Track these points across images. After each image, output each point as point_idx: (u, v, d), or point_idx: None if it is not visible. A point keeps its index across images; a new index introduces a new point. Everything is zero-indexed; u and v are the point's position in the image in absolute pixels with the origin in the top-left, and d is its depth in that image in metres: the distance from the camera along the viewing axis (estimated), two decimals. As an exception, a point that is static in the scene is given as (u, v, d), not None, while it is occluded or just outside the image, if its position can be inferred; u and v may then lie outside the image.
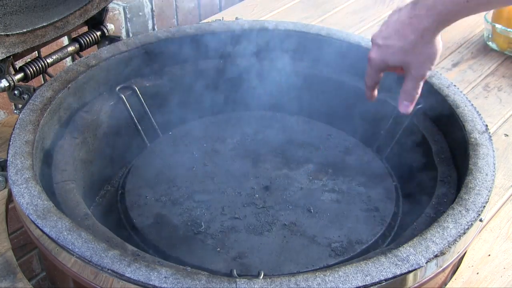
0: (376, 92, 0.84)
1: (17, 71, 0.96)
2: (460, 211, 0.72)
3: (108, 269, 0.62)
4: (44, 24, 0.95)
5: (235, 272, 0.67)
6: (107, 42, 1.09)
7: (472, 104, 0.91)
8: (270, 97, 1.11)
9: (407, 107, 0.81)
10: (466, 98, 0.92)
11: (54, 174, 0.82)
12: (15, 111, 1.02)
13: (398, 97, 0.80)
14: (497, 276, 0.87)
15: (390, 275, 0.63)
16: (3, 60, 0.91)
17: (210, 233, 0.84)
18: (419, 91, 0.79)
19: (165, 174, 0.95)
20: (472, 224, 0.71)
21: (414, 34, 0.72)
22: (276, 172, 0.97)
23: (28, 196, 0.71)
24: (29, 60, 0.99)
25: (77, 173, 0.87)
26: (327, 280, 0.62)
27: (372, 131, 1.03)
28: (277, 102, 1.10)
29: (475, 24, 1.56)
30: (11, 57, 0.92)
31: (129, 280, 0.61)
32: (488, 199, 0.75)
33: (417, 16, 0.71)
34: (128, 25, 1.52)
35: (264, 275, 0.65)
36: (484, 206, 0.73)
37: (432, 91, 0.95)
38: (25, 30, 0.91)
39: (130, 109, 1.00)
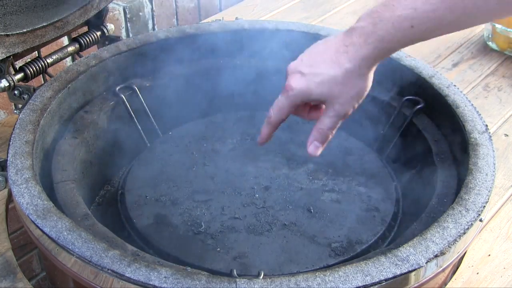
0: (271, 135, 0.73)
1: (17, 71, 0.96)
2: (460, 211, 0.72)
3: (108, 269, 0.62)
4: (44, 24, 0.95)
5: (235, 272, 0.67)
6: (107, 42, 1.09)
7: (472, 104, 0.91)
8: (270, 97, 1.10)
9: (317, 149, 0.71)
10: (466, 98, 0.92)
11: (54, 174, 0.82)
12: (15, 111, 1.02)
13: (307, 137, 0.70)
14: (497, 276, 0.88)
15: (390, 275, 0.63)
16: (3, 60, 0.91)
17: (210, 233, 0.84)
18: (335, 131, 0.70)
19: (165, 174, 0.95)
20: (472, 224, 0.71)
21: (350, 63, 0.64)
22: (276, 172, 0.97)
23: (28, 196, 0.71)
24: (29, 60, 0.99)
25: (77, 173, 0.87)
26: (327, 280, 0.62)
27: (372, 131, 1.03)
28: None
29: (475, 24, 1.56)
30: (11, 57, 0.92)
31: (129, 280, 0.61)
32: (488, 199, 0.75)
33: (354, 44, 0.63)
34: (128, 25, 1.52)
35: (264, 275, 0.65)
36: (484, 206, 0.74)
37: (432, 91, 0.95)
38: (25, 30, 0.91)
39: (130, 109, 1.00)
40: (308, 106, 0.72)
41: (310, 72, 0.66)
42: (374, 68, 0.67)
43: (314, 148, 0.71)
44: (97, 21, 1.09)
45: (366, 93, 0.67)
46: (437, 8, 0.59)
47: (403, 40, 0.63)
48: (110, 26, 1.11)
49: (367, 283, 0.62)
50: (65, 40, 1.29)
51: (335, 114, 0.67)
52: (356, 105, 0.68)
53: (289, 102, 0.69)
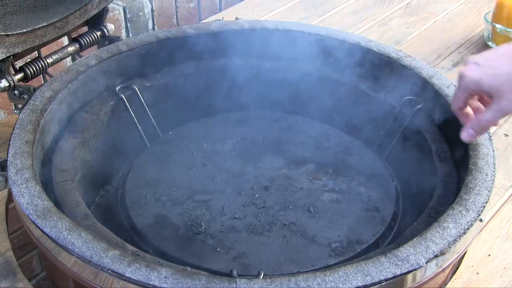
0: (468, 113, 0.76)
1: (17, 71, 0.96)
2: (460, 211, 0.72)
3: (108, 269, 0.62)
4: (44, 24, 0.95)
5: (235, 272, 0.67)
6: (107, 42, 1.09)
7: (472, 104, 0.90)
8: (270, 97, 1.11)
9: (470, 136, 0.74)
10: (466, 98, 0.92)
11: (54, 174, 0.82)
12: (15, 111, 1.02)
13: (467, 123, 0.74)
14: (497, 276, 0.87)
15: (390, 275, 0.63)
16: (3, 60, 0.91)
17: (210, 233, 0.84)
18: (491, 127, 0.73)
19: (165, 174, 0.95)
20: (472, 224, 0.71)
21: None
22: (276, 172, 0.97)
23: (28, 196, 0.71)
24: (29, 60, 0.99)
25: (77, 173, 0.87)
26: (327, 280, 0.62)
27: (372, 131, 1.03)
28: (277, 102, 1.10)
29: (475, 24, 1.56)
30: (11, 57, 0.92)
31: (129, 280, 0.61)
32: (488, 199, 0.75)
33: None
34: (128, 25, 1.52)
35: (264, 275, 0.65)
36: (484, 206, 0.73)
37: (432, 91, 0.95)
38: (25, 30, 0.91)
39: (130, 109, 1.00)
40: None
41: (485, 65, 0.70)
42: None
43: (468, 135, 0.74)
44: (97, 21, 1.09)
45: None
46: None
47: None
48: (110, 26, 1.11)
49: (367, 283, 0.62)
50: (65, 40, 1.29)
51: (499, 109, 0.70)
52: None
53: (461, 89, 0.73)
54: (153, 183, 0.93)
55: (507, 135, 1.17)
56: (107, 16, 1.11)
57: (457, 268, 0.88)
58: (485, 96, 0.74)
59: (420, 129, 0.95)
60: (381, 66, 1.03)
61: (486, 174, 0.78)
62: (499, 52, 0.72)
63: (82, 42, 1.07)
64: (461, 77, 0.73)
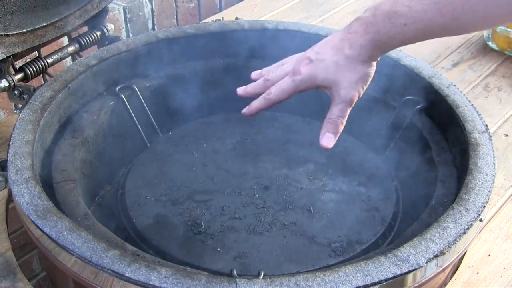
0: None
1: (17, 71, 0.96)
2: (460, 211, 0.72)
3: (108, 269, 0.62)
4: (44, 24, 0.95)
5: (235, 272, 0.67)
6: (107, 42, 1.09)
7: (472, 104, 0.91)
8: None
9: (329, 140, 0.72)
10: (466, 98, 0.92)
11: (54, 174, 0.82)
12: (15, 111, 1.02)
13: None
14: (497, 276, 0.88)
15: (390, 275, 0.63)
16: (3, 60, 0.91)
17: (210, 233, 0.84)
18: (345, 120, 0.71)
19: (165, 174, 0.95)
20: (472, 224, 0.71)
21: (351, 49, 0.67)
22: (276, 172, 0.97)
23: (28, 196, 0.71)
24: (29, 60, 0.99)
25: (77, 173, 0.87)
26: (327, 280, 0.62)
27: (372, 131, 1.03)
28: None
29: (475, 24, 1.56)
30: (11, 57, 0.92)
31: (129, 280, 0.61)
32: (488, 199, 0.75)
33: (356, 32, 0.67)
34: (128, 25, 1.52)
35: (264, 275, 0.65)
36: (484, 206, 0.73)
37: (432, 91, 0.95)
38: (25, 30, 0.91)
39: (130, 109, 1.00)
40: None
41: (317, 59, 0.69)
42: (376, 58, 0.69)
43: (327, 140, 0.72)
44: (97, 21, 1.09)
45: (369, 79, 0.70)
46: (429, 9, 0.62)
47: (397, 37, 0.65)
48: (110, 26, 1.11)
49: (367, 283, 0.62)
50: (65, 40, 1.29)
51: (341, 100, 0.70)
52: (362, 91, 0.70)
53: (294, 85, 0.71)
54: (153, 183, 0.93)
55: (507, 135, 1.17)
56: (107, 16, 1.11)
57: (457, 268, 0.88)
58: (325, 91, 0.72)
59: (420, 129, 0.95)
60: (381, 66, 1.03)
61: (486, 174, 0.78)
62: (323, 43, 0.70)
63: (82, 42, 1.07)
64: (294, 73, 0.71)
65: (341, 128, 0.72)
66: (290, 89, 0.72)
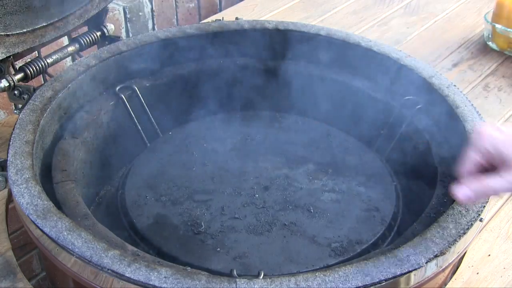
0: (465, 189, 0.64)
1: (17, 71, 0.96)
2: (460, 211, 0.72)
3: (108, 269, 0.62)
4: (44, 24, 0.95)
5: (235, 272, 0.67)
6: (107, 42, 1.09)
7: (472, 104, 0.91)
8: (270, 97, 1.11)
9: (466, 198, 0.64)
10: (466, 98, 0.92)
11: (54, 174, 0.82)
12: (15, 111, 1.02)
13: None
14: (497, 276, 0.88)
15: (390, 275, 0.63)
16: (3, 60, 0.91)
17: (210, 233, 0.84)
18: (498, 196, 0.65)
19: (165, 174, 0.95)
20: (472, 224, 0.71)
21: None
22: (276, 172, 0.97)
23: (28, 196, 0.71)
24: (29, 60, 0.99)
25: (77, 173, 0.87)
26: (327, 280, 0.62)
27: (372, 131, 1.03)
28: (277, 102, 1.10)
29: (475, 24, 1.56)
30: (11, 57, 0.92)
31: (129, 280, 0.61)
32: (488, 199, 0.75)
33: None
34: (128, 25, 1.52)
35: (264, 275, 0.65)
36: (484, 206, 0.73)
37: (432, 91, 0.95)
38: (25, 30, 0.91)
39: (130, 109, 1.00)
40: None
41: (507, 132, 0.63)
42: None
43: (464, 196, 0.64)
44: (97, 21, 1.09)
45: None
46: None
47: None
48: (110, 26, 1.11)
49: (367, 283, 0.62)
50: (65, 40, 1.29)
51: (509, 178, 0.62)
52: None
53: (476, 148, 0.65)
54: (153, 183, 0.93)
55: (507, 135, 1.17)
56: (107, 16, 1.11)
57: (457, 268, 0.88)
58: (495, 162, 0.64)
59: (420, 129, 0.95)
60: (381, 66, 1.03)
61: (486, 174, 0.77)
62: None
63: (82, 42, 1.07)
64: (477, 134, 0.64)
65: (483, 199, 0.67)
66: (471, 154, 0.65)
